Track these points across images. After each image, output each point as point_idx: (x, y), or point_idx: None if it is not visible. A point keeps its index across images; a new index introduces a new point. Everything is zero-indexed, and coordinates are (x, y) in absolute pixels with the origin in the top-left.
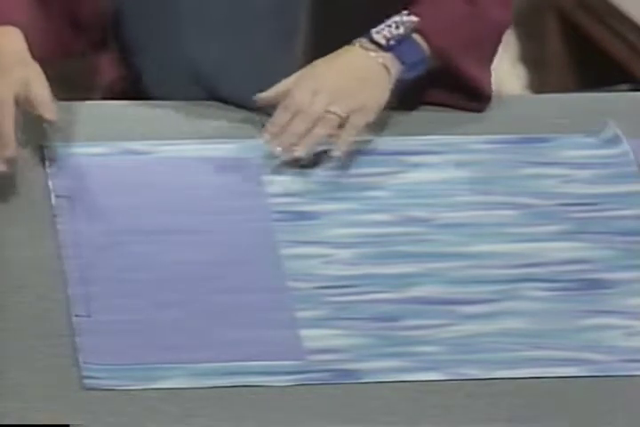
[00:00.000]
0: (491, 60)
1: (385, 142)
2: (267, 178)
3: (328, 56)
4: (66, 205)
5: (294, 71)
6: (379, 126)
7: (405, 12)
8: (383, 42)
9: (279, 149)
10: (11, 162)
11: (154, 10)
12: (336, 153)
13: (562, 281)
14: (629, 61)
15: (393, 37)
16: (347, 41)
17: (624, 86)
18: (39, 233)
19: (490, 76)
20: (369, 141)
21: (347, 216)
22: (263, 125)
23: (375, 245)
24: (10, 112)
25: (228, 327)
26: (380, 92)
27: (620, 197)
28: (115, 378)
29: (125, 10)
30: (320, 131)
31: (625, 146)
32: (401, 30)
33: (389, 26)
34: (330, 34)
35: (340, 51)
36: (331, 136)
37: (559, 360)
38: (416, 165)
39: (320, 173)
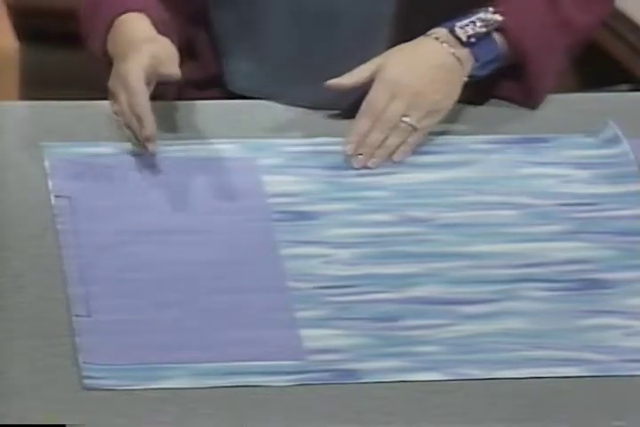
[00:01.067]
0: (556, 71)
1: None
2: (267, 178)
3: (405, 47)
4: (66, 205)
5: None
6: None
7: (491, 9)
8: (464, 38)
9: (358, 160)
10: (152, 140)
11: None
12: (397, 157)
13: (562, 281)
14: (629, 61)
15: (475, 35)
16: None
17: (624, 86)
18: (39, 233)
19: (548, 86)
20: None
21: (347, 216)
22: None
23: (375, 245)
24: (142, 91)
25: (227, 327)
26: (453, 90)
27: (620, 197)
28: (115, 378)
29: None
30: (394, 141)
31: (625, 146)
32: (484, 29)
33: (473, 22)
34: (414, 27)
35: (416, 42)
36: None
37: (559, 360)
38: (416, 165)
39: (320, 173)
